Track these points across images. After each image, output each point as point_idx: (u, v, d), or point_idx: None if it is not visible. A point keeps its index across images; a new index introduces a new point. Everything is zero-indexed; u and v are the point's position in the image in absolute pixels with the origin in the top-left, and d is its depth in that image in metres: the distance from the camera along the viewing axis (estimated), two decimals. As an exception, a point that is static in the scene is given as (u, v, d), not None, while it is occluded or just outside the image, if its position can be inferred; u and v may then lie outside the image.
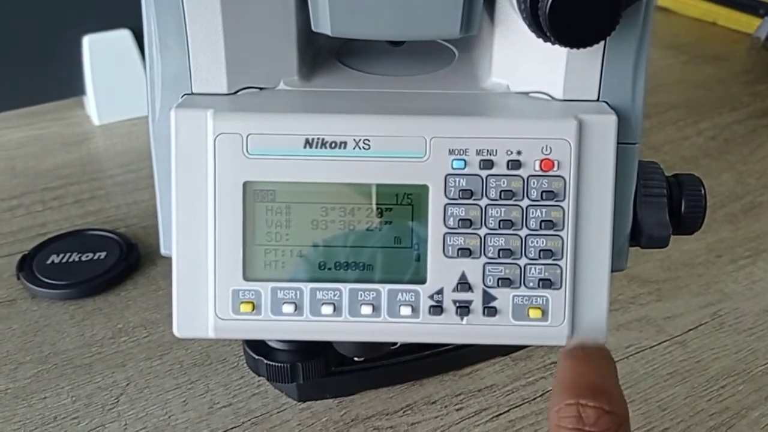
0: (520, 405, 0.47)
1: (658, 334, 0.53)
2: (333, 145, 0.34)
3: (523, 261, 0.34)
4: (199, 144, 0.34)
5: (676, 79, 0.93)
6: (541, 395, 0.48)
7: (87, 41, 0.76)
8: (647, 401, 0.48)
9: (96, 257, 0.58)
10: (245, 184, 0.34)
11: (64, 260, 0.58)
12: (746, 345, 0.52)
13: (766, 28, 1.04)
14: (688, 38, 1.05)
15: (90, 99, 0.79)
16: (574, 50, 0.32)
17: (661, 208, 0.37)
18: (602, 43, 0.32)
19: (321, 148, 0.34)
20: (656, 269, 0.59)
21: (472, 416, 0.47)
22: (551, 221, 0.34)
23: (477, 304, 0.34)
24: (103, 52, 0.77)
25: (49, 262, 0.58)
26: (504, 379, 0.49)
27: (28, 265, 0.57)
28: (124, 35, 0.77)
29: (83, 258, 0.58)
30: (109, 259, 0.58)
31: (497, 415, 0.47)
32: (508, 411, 0.47)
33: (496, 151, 0.34)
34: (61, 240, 0.60)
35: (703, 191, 0.38)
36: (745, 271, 0.59)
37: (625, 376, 0.49)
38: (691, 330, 0.53)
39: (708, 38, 1.05)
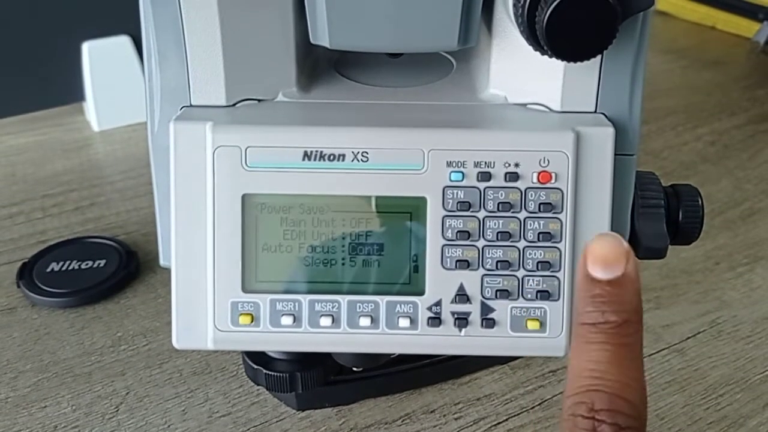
0: (518, 414, 0.47)
1: (657, 342, 0.53)
2: (331, 157, 0.34)
3: (521, 273, 0.34)
4: (198, 156, 0.34)
5: (675, 84, 0.93)
6: (539, 404, 0.48)
7: (86, 47, 0.76)
8: (645, 410, 0.48)
9: (96, 265, 0.58)
10: (244, 197, 0.34)
11: (64, 268, 0.58)
12: (744, 353, 0.52)
13: (765, 32, 1.04)
14: (687, 43, 1.05)
15: (89, 105, 0.80)
16: (572, 63, 0.32)
17: (659, 219, 0.37)
18: (599, 55, 0.32)
19: (319, 160, 0.34)
20: (655, 277, 0.59)
21: (471, 425, 0.47)
22: (549, 233, 0.34)
23: (475, 316, 0.35)
24: (102, 58, 0.77)
25: (49, 270, 0.58)
26: (502, 387, 0.49)
27: (28, 273, 0.58)
28: (124, 41, 0.78)
29: (83, 266, 0.58)
30: (108, 267, 0.58)
31: (496, 424, 0.47)
32: (506, 420, 0.47)
33: (494, 163, 0.34)
34: (61, 248, 0.60)
35: (700, 202, 0.39)
36: (744, 278, 0.59)
37: (624, 384, 0.49)
38: (689, 338, 0.53)
39: (707, 42, 1.05)
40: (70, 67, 0.77)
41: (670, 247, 0.38)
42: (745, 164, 0.75)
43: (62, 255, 0.59)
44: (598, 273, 0.27)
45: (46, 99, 0.79)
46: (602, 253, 0.27)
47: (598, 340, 0.27)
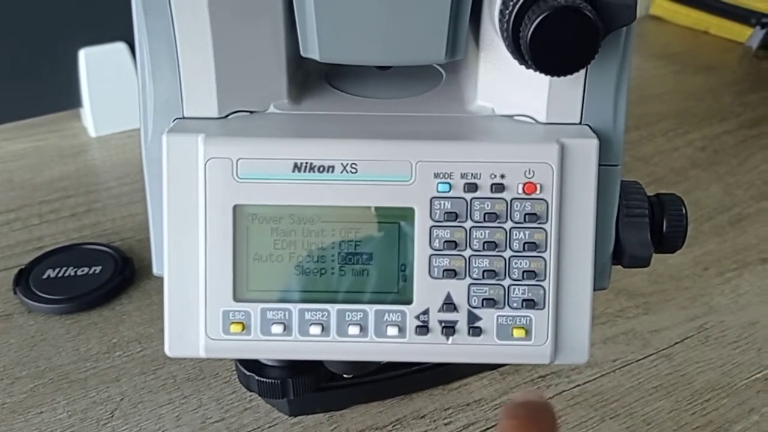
0: (507, 419, 0.48)
1: (645, 347, 0.54)
2: (321, 169, 0.34)
3: (507, 282, 0.35)
4: (190, 168, 0.35)
5: (667, 88, 0.94)
6: (528, 409, 0.49)
7: (83, 54, 0.77)
8: (632, 415, 0.48)
9: (91, 271, 0.59)
10: (235, 207, 0.35)
11: (60, 274, 0.59)
12: (731, 358, 0.53)
13: (757, 37, 1.04)
14: (680, 47, 1.06)
15: (86, 111, 0.80)
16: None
17: (643, 228, 0.38)
18: (583, 69, 0.33)
19: (309, 172, 0.35)
20: (643, 282, 0.59)
21: (461, 430, 0.47)
22: (534, 243, 0.35)
23: (462, 324, 0.35)
24: (99, 64, 0.78)
25: (45, 276, 0.58)
26: (492, 393, 0.50)
27: (25, 280, 0.58)
28: (120, 48, 0.78)
29: (79, 272, 0.59)
30: (104, 274, 0.59)
31: (485, 429, 0.47)
32: (496, 425, 0.48)
33: (480, 174, 0.34)
34: (57, 254, 0.61)
35: (684, 210, 0.39)
36: (732, 284, 0.60)
37: (611, 390, 0.50)
38: (677, 343, 0.54)
39: (700, 47, 1.06)
40: (67, 73, 0.78)
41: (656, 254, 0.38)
42: (735, 170, 0.76)
43: (58, 261, 0.60)
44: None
45: (43, 105, 0.80)
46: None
47: None
